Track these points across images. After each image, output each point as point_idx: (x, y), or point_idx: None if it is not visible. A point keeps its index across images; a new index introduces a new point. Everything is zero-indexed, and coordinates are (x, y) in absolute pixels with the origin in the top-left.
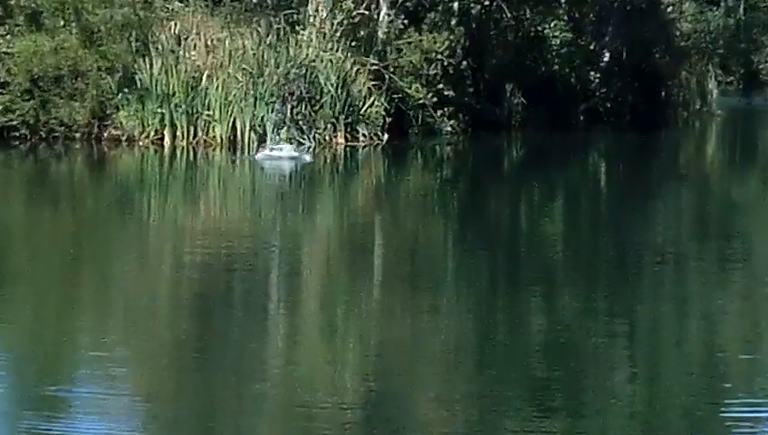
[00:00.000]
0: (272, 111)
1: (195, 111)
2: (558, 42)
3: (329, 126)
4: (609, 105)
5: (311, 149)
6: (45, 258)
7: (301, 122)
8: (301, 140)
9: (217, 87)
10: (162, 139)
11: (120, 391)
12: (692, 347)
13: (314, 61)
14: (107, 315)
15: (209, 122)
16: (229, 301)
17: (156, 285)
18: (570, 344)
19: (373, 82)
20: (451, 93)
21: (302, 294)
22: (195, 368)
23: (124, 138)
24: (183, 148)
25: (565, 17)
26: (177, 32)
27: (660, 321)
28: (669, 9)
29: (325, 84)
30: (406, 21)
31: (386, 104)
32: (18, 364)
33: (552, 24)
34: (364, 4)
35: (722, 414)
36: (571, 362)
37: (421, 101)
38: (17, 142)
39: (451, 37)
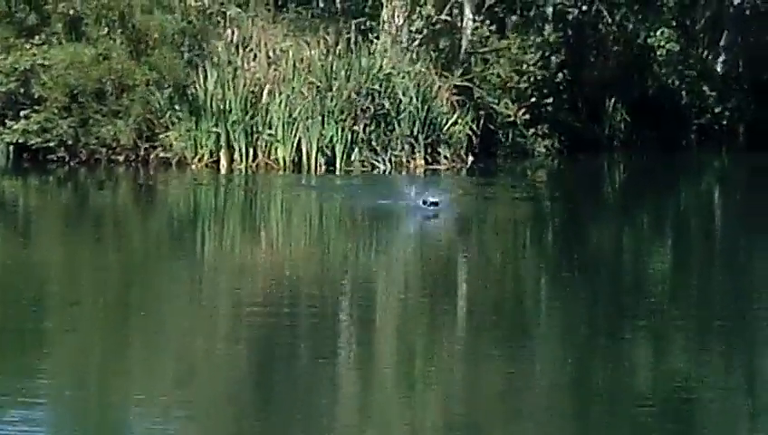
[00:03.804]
0: (342, 131)
1: (254, 130)
2: (665, 51)
3: (406, 147)
4: (725, 123)
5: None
6: (86, 304)
7: (374, 142)
8: (375, 163)
9: (280, 103)
10: (218, 162)
11: None
12: None
13: (390, 73)
14: (156, 374)
15: (271, 143)
16: (293, 355)
17: (211, 339)
18: (681, 402)
19: (457, 98)
20: (545, 110)
21: (376, 343)
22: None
23: (174, 160)
24: (241, 171)
25: (674, 23)
26: (235, 41)
27: None
28: None
29: (402, 100)
30: (493, 28)
31: (471, 123)
32: (63, 426)
33: (659, 32)
34: (446, 10)
35: None
36: (683, 423)
37: (511, 119)
38: (54, 166)
39: (548, 51)
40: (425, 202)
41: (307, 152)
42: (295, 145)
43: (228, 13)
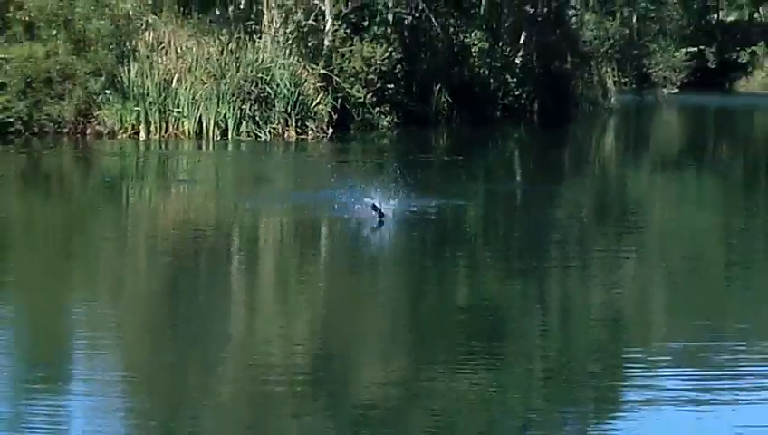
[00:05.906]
0: (233, 109)
1: (166, 108)
2: (478, 49)
3: (281, 121)
4: (522, 102)
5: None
6: (40, 247)
7: (257, 117)
8: (257, 133)
9: (186, 88)
10: (138, 132)
11: (101, 371)
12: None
13: (270, 65)
14: (92, 287)
15: (179, 118)
16: (194, 290)
17: (134, 267)
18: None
19: (320, 84)
20: (387, 93)
21: (261, 277)
22: (167, 347)
23: (106, 132)
24: (156, 140)
25: (484, 27)
26: (151, 40)
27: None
28: (573, 19)
29: (279, 85)
30: (348, 30)
31: (332, 102)
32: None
33: (473, 34)
34: (312, 16)
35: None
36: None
37: (361, 100)
38: (13, 137)
39: (390, 49)
40: (375, 208)
41: (206, 125)
42: (197, 120)
43: (146, 19)
